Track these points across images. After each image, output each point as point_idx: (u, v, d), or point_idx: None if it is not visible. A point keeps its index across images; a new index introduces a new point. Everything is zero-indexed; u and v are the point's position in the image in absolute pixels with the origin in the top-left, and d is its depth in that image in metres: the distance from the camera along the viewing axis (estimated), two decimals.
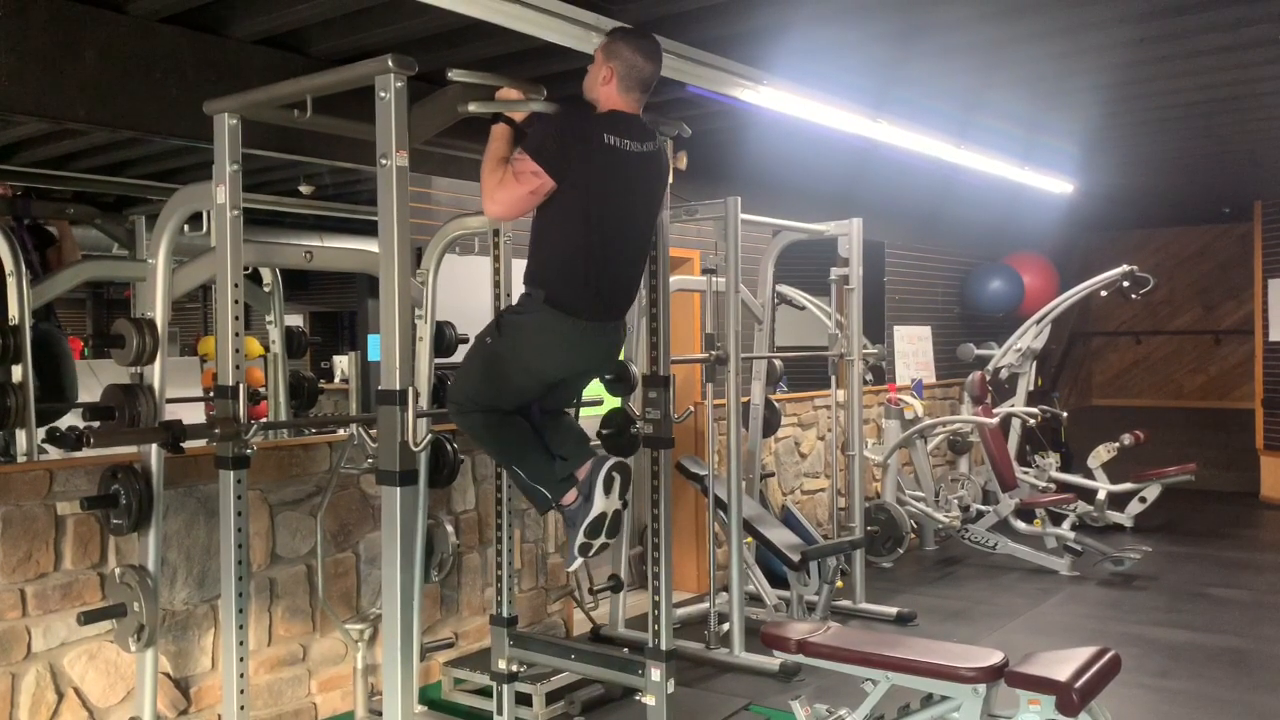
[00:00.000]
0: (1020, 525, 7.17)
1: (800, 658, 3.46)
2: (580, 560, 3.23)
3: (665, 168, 3.36)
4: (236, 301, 3.28)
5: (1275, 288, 9.21)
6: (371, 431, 3.73)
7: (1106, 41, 4.26)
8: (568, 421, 3.44)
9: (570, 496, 3.19)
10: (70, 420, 4.19)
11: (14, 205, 4.05)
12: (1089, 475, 7.90)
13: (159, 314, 3.36)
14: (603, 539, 3.20)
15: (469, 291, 4.60)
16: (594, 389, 3.84)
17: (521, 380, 3.22)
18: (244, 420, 3.25)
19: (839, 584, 5.50)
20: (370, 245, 3.02)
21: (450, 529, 4.37)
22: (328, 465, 4.26)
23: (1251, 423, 9.51)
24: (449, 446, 4.27)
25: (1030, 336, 8.18)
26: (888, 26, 4.04)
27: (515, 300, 3.33)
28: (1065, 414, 9.02)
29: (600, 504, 3.14)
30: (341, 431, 4.38)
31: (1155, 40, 4.26)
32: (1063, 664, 3.10)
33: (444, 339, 4.33)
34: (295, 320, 4.92)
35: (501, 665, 3.85)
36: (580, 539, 3.16)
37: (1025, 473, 7.87)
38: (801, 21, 3.91)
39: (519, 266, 3.91)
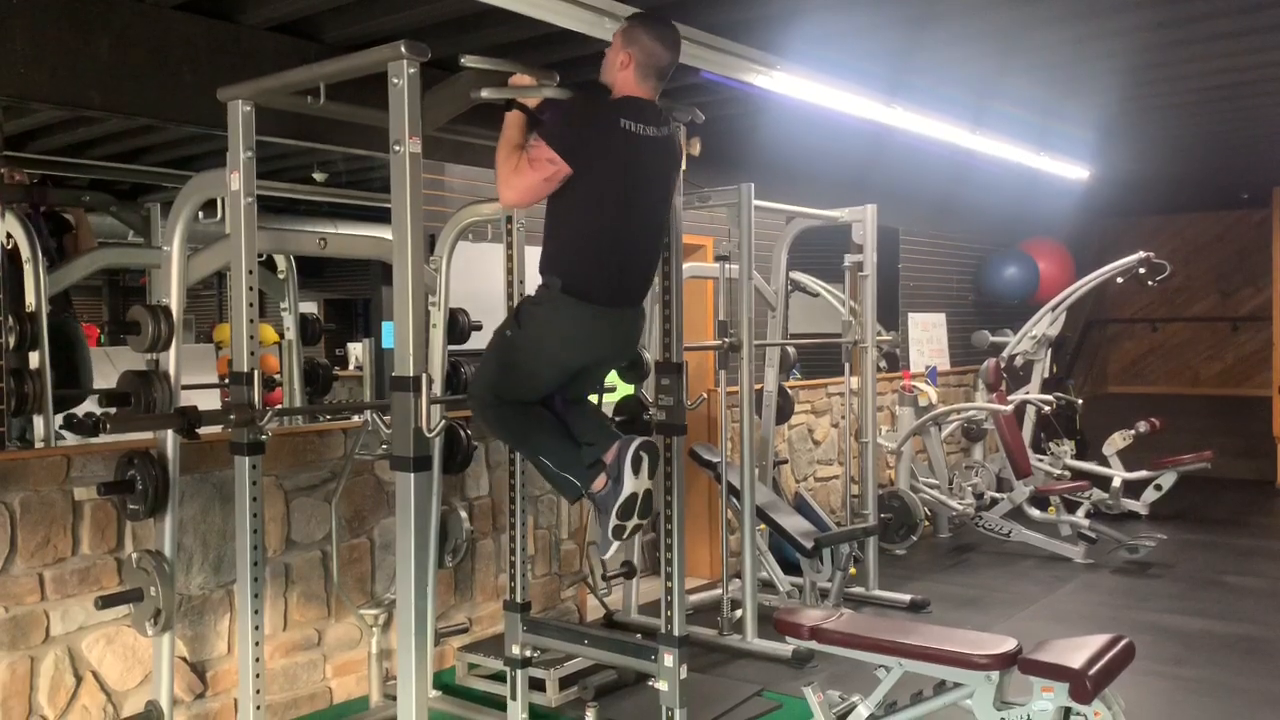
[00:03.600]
0: (1034, 513, 7.15)
1: (813, 644, 3.46)
2: (616, 545, 3.19)
3: (679, 152, 3.34)
4: (251, 288, 3.29)
5: None
6: (386, 418, 3.74)
7: (1123, 26, 4.22)
8: (590, 407, 3.43)
9: (600, 482, 3.15)
10: (87, 406, 4.21)
11: (30, 193, 4.07)
12: (1104, 463, 7.87)
13: (174, 301, 3.37)
14: (635, 520, 3.16)
15: (482, 278, 4.61)
16: (608, 376, 3.83)
17: (543, 370, 3.20)
18: (259, 406, 3.26)
19: (852, 571, 5.49)
20: (384, 232, 3.03)
21: (464, 515, 4.38)
22: (342, 451, 4.28)
23: (1268, 410, 9.45)
24: (463, 433, 4.28)
25: (1045, 323, 8.15)
26: (902, 11, 4.01)
27: (531, 290, 3.32)
28: (1080, 401, 9.00)
29: (630, 484, 3.10)
30: (356, 418, 4.40)
31: (1172, 24, 4.22)
32: (1076, 651, 3.10)
33: (457, 326, 4.34)
34: (310, 307, 4.92)
35: (515, 650, 3.86)
36: (613, 521, 3.12)
37: (1040, 460, 7.85)
38: (815, 7, 3.89)
39: (532, 253, 3.92)
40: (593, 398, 3.48)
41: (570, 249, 3.11)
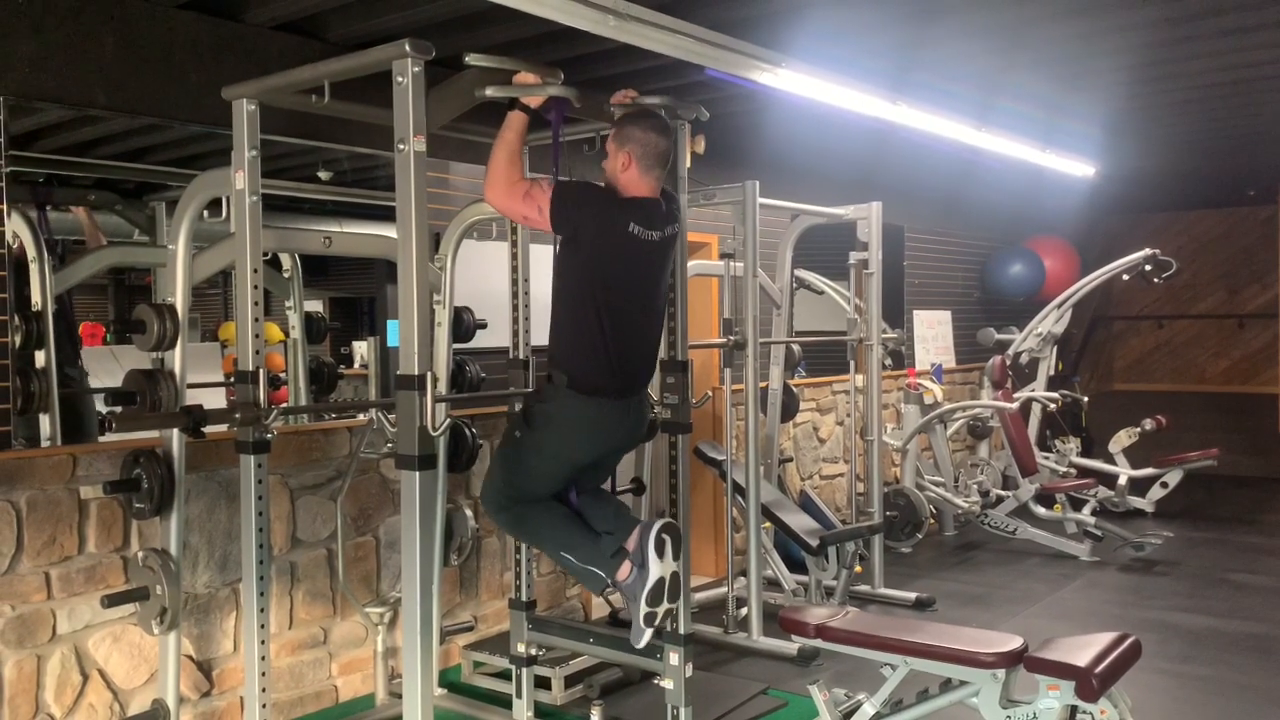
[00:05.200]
0: (1040, 510, 7.14)
1: (818, 642, 3.46)
2: (649, 632, 3.16)
3: (677, 244, 3.36)
4: (256, 287, 3.29)
5: None
6: (391, 416, 3.74)
7: (1130, 21, 4.21)
8: (604, 495, 3.44)
9: (624, 570, 3.15)
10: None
11: (36, 192, 4.07)
12: (1110, 460, 7.86)
13: (180, 299, 3.38)
14: (666, 604, 3.14)
15: (487, 276, 4.61)
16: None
17: (554, 468, 3.23)
18: (264, 405, 3.26)
19: (857, 569, 5.49)
20: (389, 231, 3.03)
21: (469, 513, 4.39)
22: (348, 450, 4.28)
23: (1275, 407, 9.42)
24: (468, 431, 4.28)
25: (1051, 321, 8.13)
26: (907, 8, 4.00)
27: (537, 386, 3.38)
28: (1086, 399, 8.98)
29: (656, 569, 3.10)
30: (361, 416, 4.40)
31: (1179, 20, 4.21)
32: (1082, 649, 3.09)
33: (462, 324, 4.34)
34: (315, 306, 4.93)
35: (521, 649, 3.87)
36: (644, 609, 3.11)
37: (1045, 458, 7.83)
38: (820, 4, 3.88)
39: (536, 252, 3.93)
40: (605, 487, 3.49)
41: (573, 346, 3.16)
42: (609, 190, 3.18)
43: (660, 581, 3.11)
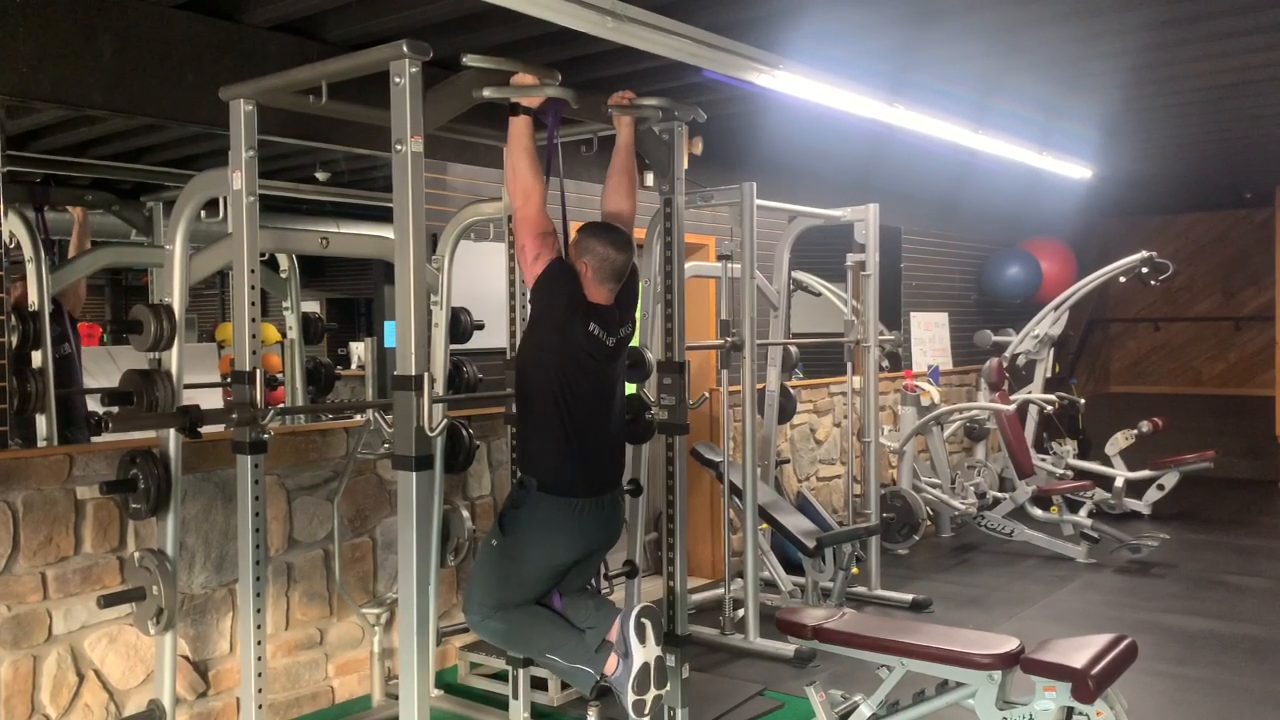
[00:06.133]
0: (1037, 512, 7.15)
1: (815, 644, 3.46)
2: None
3: (625, 351, 3.40)
4: (253, 287, 3.29)
5: None
6: (388, 417, 3.74)
7: (1126, 24, 4.22)
8: (586, 593, 3.43)
9: (611, 664, 3.14)
10: (89, 405, 4.21)
11: (33, 192, 4.07)
12: (1106, 462, 7.86)
13: (176, 300, 3.37)
14: (654, 690, 3.12)
15: (484, 277, 4.61)
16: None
17: (535, 572, 3.24)
18: (261, 406, 3.26)
19: (854, 570, 5.49)
20: (386, 231, 3.03)
21: (466, 514, 4.39)
22: (344, 450, 4.28)
23: (1271, 410, 9.43)
24: (465, 432, 4.28)
25: (1048, 323, 8.14)
26: (904, 9, 4.01)
27: (510, 493, 3.41)
28: (1083, 401, 8.99)
29: (640, 655, 3.09)
30: (358, 417, 4.40)
31: (1176, 23, 4.21)
32: (1079, 651, 3.10)
33: (459, 325, 4.34)
34: (312, 306, 4.93)
35: None
36: (632, 698, 3.09)
37: (1042, 460, 7.84)
38: (817, 5, 3.88)
39: None
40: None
41: (542, 446, 3.20)
42: (579, 288, 3.21)
43: (645, 667, 3.09)
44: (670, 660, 3.42)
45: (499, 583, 3.24)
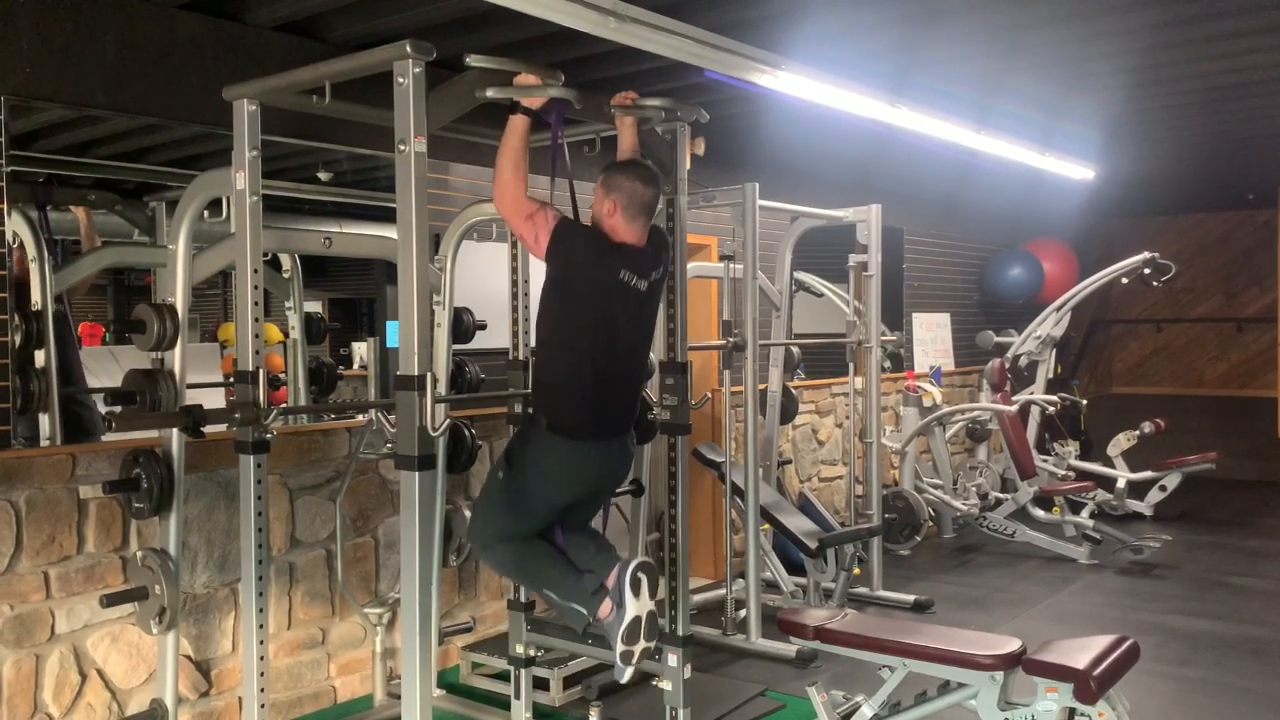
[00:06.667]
0: (1039, 513, 7.15)
1: (817, 644, 3.46)
2: (630, 669, 3.18)
3: (663, 289, 3.38)
4: (256, 287, 3.29)
5: None
6: (390, 417, 3.75)
7: (1128, 25, 4.22)
8: (589, 533, 3.46)
9: (605, 609, 3.17)
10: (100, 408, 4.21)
11: (36, 192, 4.08)
12: (1108, 463, 7.86)
13: (179, 299, 3.38)
14: (643, 643, 3.15)
15: (487, 277, 4.61)
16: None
17: (536, 507, 3.27)
18: (264, 405, 3.27)
19: (856, 571, 5.49)
20: (389, 231, 3.03)
21: (468, 514, 4.38)
22: (347, 450, 4.28)
23: (1273, 411, 9.41)
24: (467, 432, 4.28)
25: (1050, 324, 8.13)
26: (906, 10, 4.01)
27: (520, 426, 3.46)
28: (1085, 402, 8.99)
29: (632, 608, 3.12)
30: (360, 417, 4.40)
31: (1178, 24, 4.21)
32: (1081, 652, 3.09)
33: (462, 325, 4.34)
34: (314, 306, 4.93)
35: (519, 650, 3.87)
36: (620, 648, 3.13)
37: (1044, 460, 7.84)
38: (819, 6, 3.89)
39: None
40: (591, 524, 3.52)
41: (558, 389, 3.20)
42: (601, 235, 3.20)
43: (636, 620, 3.12)
44: (671, 660, 3.42)
45: (502, 513, 3.28)
